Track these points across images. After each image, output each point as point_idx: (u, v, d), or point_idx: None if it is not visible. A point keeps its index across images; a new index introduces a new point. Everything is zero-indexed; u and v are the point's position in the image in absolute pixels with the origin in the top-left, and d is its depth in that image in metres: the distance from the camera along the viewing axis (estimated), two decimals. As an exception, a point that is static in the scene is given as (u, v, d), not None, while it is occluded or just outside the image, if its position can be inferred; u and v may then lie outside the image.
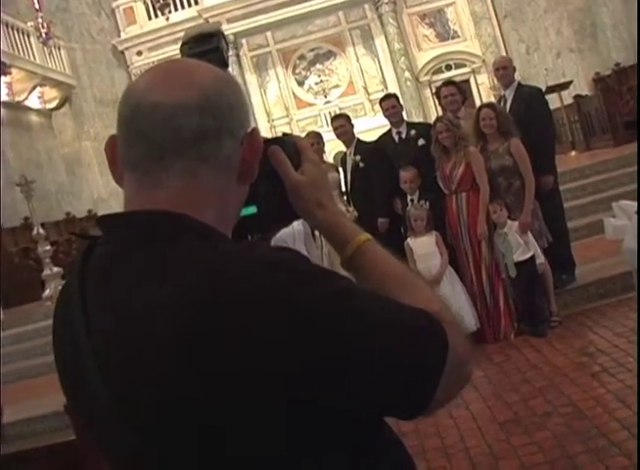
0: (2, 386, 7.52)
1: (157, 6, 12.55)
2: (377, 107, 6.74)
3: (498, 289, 5.35)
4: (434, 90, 11.65)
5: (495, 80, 9.30)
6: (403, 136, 6.09)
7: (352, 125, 6.30)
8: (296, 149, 1.03)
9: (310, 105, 18.80)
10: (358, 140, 6.25)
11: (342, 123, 6.22)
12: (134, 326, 0.80)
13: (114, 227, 0.89)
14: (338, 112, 18.38)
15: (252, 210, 1.01)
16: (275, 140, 1.03)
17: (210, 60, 0.96)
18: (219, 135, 0.88)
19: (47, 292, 10.16)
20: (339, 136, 6.25)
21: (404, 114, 18.21)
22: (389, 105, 6.13)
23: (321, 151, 6.21)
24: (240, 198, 0.95)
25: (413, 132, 6.07)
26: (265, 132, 18.39)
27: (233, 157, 0.90)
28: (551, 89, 12.47)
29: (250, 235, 1.05)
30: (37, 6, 12.83)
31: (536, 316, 5.30)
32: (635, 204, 3.26)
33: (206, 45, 1.04)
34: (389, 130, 6.23)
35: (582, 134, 12.22)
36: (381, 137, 6.37)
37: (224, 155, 0.89)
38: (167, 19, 14.54)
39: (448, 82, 6.31)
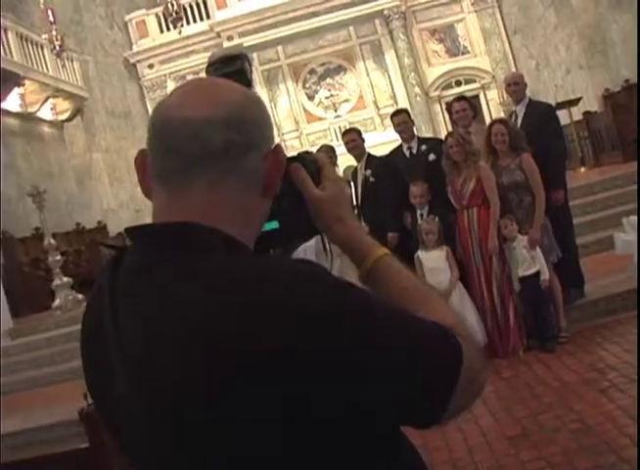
0: (12, 394, 7.57)
1: (169, 19, 12.68)
2: (387, 121, 6.81)
3: (509, 304, 5.36)
4: (443, 105, 11.74)
5: (505, 96, 9.38)
6: (414, 151, 6.13)
7: (363, 140, 6.35)
8: (316, 166, 1.07)
9: (320, 119, 18.90)
10: (369, 155, 6.29)
11: (353, 138, 6.27)
12: (165, 335, 0.83)
13: (144, 238, 0.92)
14: (348, 126, 18.46)
15: (275, 224, 1.04)
16: (296, 158, 1.07)
17: (235, 81, 1.00)
18: (245, 150, 0.92)
19: (57, 301, 10.24)
20: (349, 150, 6.29)
21: (414, 129, 18.15)
22: (401, 120, 6.18)
23: (334, 165, 6.25)
24: (263, 211, 0.99)
25: (424, 147, 6.11)
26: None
27: (257, 171, 0.94)
28: (560, 105, 12.51)
29: (272, 249, 1.08)
30: (52, 19, 12.96)
31: (545, 332, 5.31)
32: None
33: (231, 67, 1.09)
34: (400, 145, 6.27)
35: (592, 150, 12.25)
36: (392, 152, 6.42)
37: (249, 169, 0.93)
38: (180, 32, 14.69)
39: (460, 97, 6.35)
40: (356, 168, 6.33)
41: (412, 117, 6.70)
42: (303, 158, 1.09)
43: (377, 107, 18.49)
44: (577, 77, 15.19)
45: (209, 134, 0.90)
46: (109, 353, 0.90)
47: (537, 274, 5.27)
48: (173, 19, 12.37)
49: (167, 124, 0.92)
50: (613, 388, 4.18)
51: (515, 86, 5.93)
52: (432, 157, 5.97)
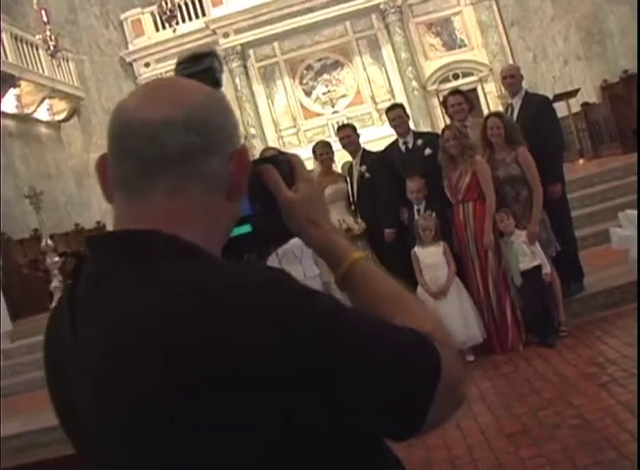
0: (13, 397, 7.56)
1: (163, 18, 12.61)
2: (385, 116, 6.77)
3: (505, 299, 5.32)
4: (441, 99, 11.66)
5: (503, 89, 9.32)
6: (410, 146, 6.08)
7: (358, 135, 6.30)
8: (289, 167, 1.04)
9: (318, 115, 18.85)
10: (364, 150, 6.24)
11: (347, 133, 6.22)
12: (124, 344, 0.80)
13: (102, 247, 0.89)
14: (345, 121, 18.43)
15: (247, 228, 1.01)
16: (268, 159, 1.04)
17: (203, 79, 0.97)
18: (206, 152, 0.88)
19: (55, 303, 10.20)
20: (344, 146, 6.25)
21: (411, 123, 18.18)
22: (396, 115, 6.13)
23: (330, 160, 6.21)
24: (230, 216, 0.95)
25: (420, 142, 6.06)
26: (273, 143, 18.45)
27: (221, 174, 0.90)
28: (558, 97, 12.45)
29: (245, 254, 1.05)
30: (45, 19, 12.91)
31: (545, 326, 5.27)
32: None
33: (200, 65, 1.04)
34: (396, 140, 6.22)
35: (590, 142, 12.19)
36: (387, 147, 6.37)
37: (211, 172, 0.89)
38: (174, 30, 14.64)
39: (455, 91, 6.31)
40: (352, 164, 6.29)
41: (410, 111, 6.66)
42: (276, 158, 1.05)
43: (374, 102, 18.43)
44: (575, 69, 15.13)
45: (168, 137, 0.86)
46: (69, 363, 0.87)
47: (539, 268, 5.23)
48: (167, 17, 12.32)
49: (124, 127, 0.88)
50: (613, 382, 4.14)
51: (511, 79, 5.88)
52: (428, 151, 5.92)
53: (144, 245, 0.85)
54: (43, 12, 12.85)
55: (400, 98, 18.01)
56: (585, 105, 12.65)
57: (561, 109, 12.74)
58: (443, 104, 6.19)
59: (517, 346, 5.29)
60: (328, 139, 10.20)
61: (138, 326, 0.79)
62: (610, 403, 3.82)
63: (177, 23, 15.85)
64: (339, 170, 6.64)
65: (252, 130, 18.58)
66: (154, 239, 0.85)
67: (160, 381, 0.77)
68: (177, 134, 0.86)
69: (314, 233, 1.02)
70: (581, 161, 11.94)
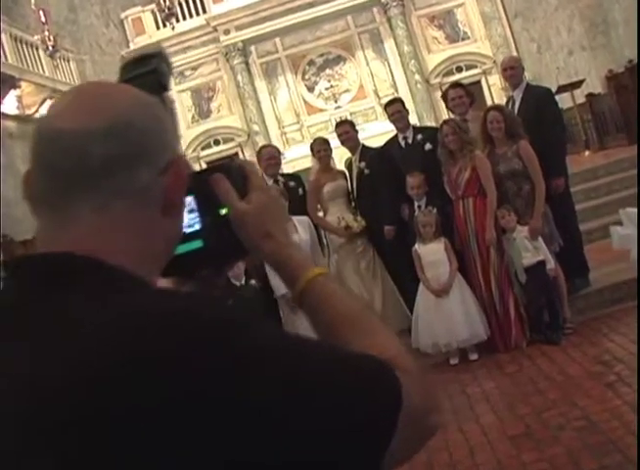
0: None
1: (161, 16, 12.50)
2: (388, 110, 6.69)
3: (508, 296, 5.21)
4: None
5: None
6: (410, 141, 5.97)
7: (357, 131, 6.20)
8: (242, 176, 0.95)
9: (321, 110, 18.73)
10: (363, 146, 6.13)
11: (346, 130, 6.11)
12: (29, 380, 0.70)
13: (17, 272, 0.79)
14: (349, 117, 18.31)
15: (199, 244, 0.92)
16: (218, 167, 0.95)
17: (147, 83, 0.90)
18: (132, 165, 0.78)
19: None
20: (343, 143, 6.14)
21: (415, 117, 17.96)
22: (395, 110, 6.01)
23: (328, 157, 6.10)
24: (169, 232, 0.85)
25: (420, 137, 5.95)
26: (276, 139, 18.34)
27: (153, 188, 0.80)
28: (563, 88, 12.30)
29: (199, 271, 0.96)
30: (43, 19, 12.83)
31: (550, 324, 5.16)
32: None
33: (145, 67, 0.96)
34: (396, 135, 6.11)
35: (596, 133, 12.03)
36: (387, 143, 6.26)
37: (140, 186, 0.79)
38: (173, 28, 14.54)
39: (455, 84, 6.19)
40: (351, 161, 6.18)
41: (413, 105, 6.51)
42: (227, 166, 0.96)
43: (377, 96, 18.28)
44: (580, 59, 14.95)
45: (87, 148, 0.76)
46: None
47: (543, 263, 5.11)
48: (165, 15, 12.21)
49: (44, 138, 0.78)
50: (619, 382, 4.02)
51: (511, 71, 5.75)
52: (428, 146, 5.81)
53: (60, 270, 0.75)
54: (41, 12, 12.76)
55: (403, 92, 17.88)
56: (590, 96, 12.48)
57: (565, 100, 12.62)
58: (443, 97, 6.06)
59: (520, 343, 5.17)
60: (331, 135, 10.11)
61: (43, 366, 0.69)
62: (616, 404, 3.71)
63: (177, 21, 15.75)
64: (339, 167, 6.51)
65: (255, 127, 18.50)
66: (72, 263, 0.75)
67: (73, 429, 0.67)
68: (97, 145, 0.76)
69: (268, 247, 0.93)
70: (587, 152, 11.78)
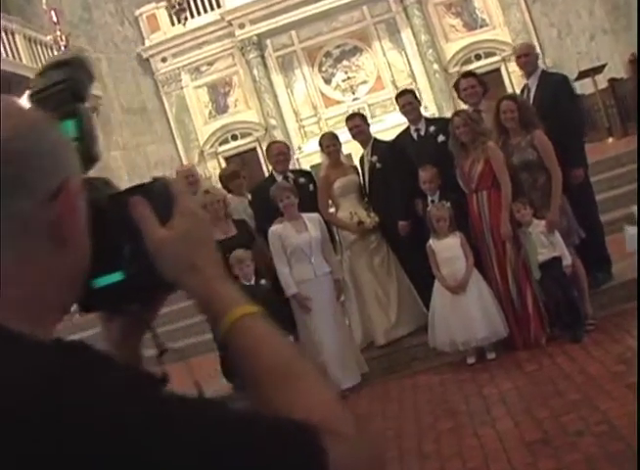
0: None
1: (172, 12, 12.41)
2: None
3: (526, 291, 5.02)
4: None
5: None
6: (422, 133, 5.79)
7: (368, 125, 6.05)
8: (166, 197, 0.81)
9: (338, 102, 18.55)
10: (375, 139, 5.97)
11: (356, 123, 5.95)
12: None
13: None
14: (366, 108, 18.11)
15: (118, 276, 0.81)
16: (138, 188, 0.83)
17: (53, 95, 0.83)
18: (6, 192, 0.65)
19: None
20: (354, 137, 5.98)
21: (434, 107, 17.70)
22: (406, 101, 5.83)
23: (338, 152, 5.96)
24: (69, 269, 0.72)
25: (432, 129, 5.76)
26: (294, 133, 18.18)
27: (38, 217, 0.68)
28: (584, 74, 11.99)
29: (124, 306, 0.85)
30: (55, 19, 12.82)
31: (571, 320, 4.96)
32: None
33: (56, 76, 0.87)
34: (408, 128, 5.94)
35: (619, 119, 11.69)
36: (399, 135, 6.08)
37: (20, 217, 0.67)
38: (184, 24, 14.46)
39: (467, 73, 6.00)
40: (363, 155, 6.02)
41: (432, 94, 6.25)
42: (149, 187, 0.83)
43: (395, 87, 17.97)
44: (602, 43, 14.59)
45: None
46: None
47: (559, 259, 4.92)
48: (177, 10, 12.13)
49: None
50: (642, 382, 3.82)
51: (525, 58, 5.54)
52: (441, 138, 5.63)
53: None
54: (52, 12, 12.74)
55: (422, 82, 17.65)
56: (612, 80, 12.13)
57: (587, 86, 12.30)
58: (455, 87, 5.86)
59: (540, 339, 4.99)
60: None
61: None
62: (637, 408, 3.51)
63: (189, 17, 15.64)
64: (356, 162, 6.35)
65: (273, 121, 18.37)
66: None
67: None
68: None
69: (191, 281, 0.79)
70: (610, 139, 11.47)
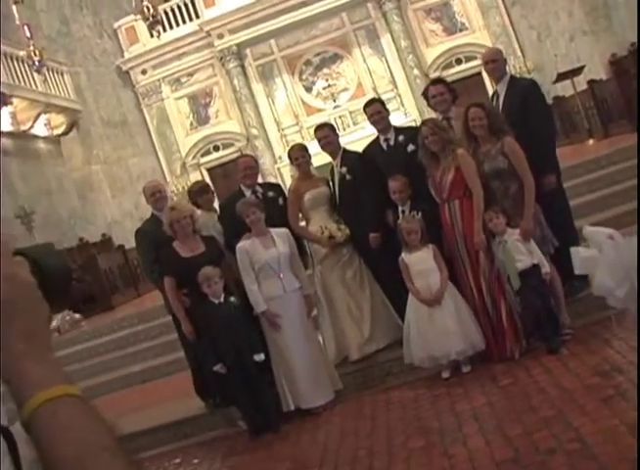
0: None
1: (146, 24, 12.29)
2: (389, 107, 6.26)
3: (500, 303, 4.90)
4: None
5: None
6: (392, 143, 5.67)
7: (337, 135, 5.91)
8: None
9: (320, 110, 18.43)
10: (344, 150, 5.84)
11: (325, 134, 5.81)
12: None
13: None
14: (348, 116, 18.00)
15: None
16: None
17: None
18: None
19: (54, 323, 9.97)
20: (323, 147, 5.84)
21: (416, 113, 17.63)
22: (374, 111, 5.71)
23: (307, 164, 5.83)
24: None
25: (402, 138, 5.64)
26: (276, 142, 18.07)
27: None
28: (563, 76, 11.93)
29: None
30: (28, 34, 12.66)
31: (549, 330, 4.83)
32: (608, 230, 2.68)
33: None
34: (377, 138, 5.81)
35: (600, 121, 11.63)
36: (368, 146, 5.95)
37: None
38: (159, 37, 14.34)
39: (436, 80, 5.88)
40: (333, 166, 5.89)
41: (413, 100, 6.11)
42: None
43: (376, 93, 17.91)
44: (582, 44, 14.54)
45: None
46: None
47: (538, 267, 4.80)
48: (150, 23, 11.97)
49: None
50: (617, 396, 3.71)
51: (492, 64, 5.42)
52: (411, 147, 5.50)
53: None
54: (25, 27, 12.58)
55: (402, 87, 17.58)
56: (592, 82, 12.07)
57: (566, 88, 12.25)
58: (424, 95, 5.73)
59: (514, 352, 4.87)
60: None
61: None
62: (612, 424, 3.39)
63: (168, 28, 15.49)
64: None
65: (254, 131, 18.25)
66: None
67: None
68: None
69: None
70: (591, 141, 11.40)
